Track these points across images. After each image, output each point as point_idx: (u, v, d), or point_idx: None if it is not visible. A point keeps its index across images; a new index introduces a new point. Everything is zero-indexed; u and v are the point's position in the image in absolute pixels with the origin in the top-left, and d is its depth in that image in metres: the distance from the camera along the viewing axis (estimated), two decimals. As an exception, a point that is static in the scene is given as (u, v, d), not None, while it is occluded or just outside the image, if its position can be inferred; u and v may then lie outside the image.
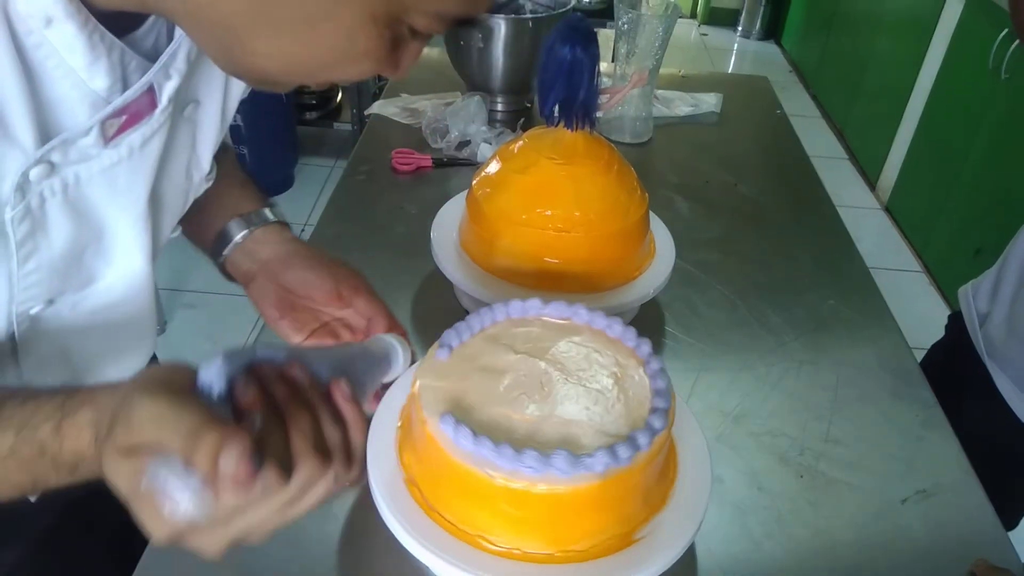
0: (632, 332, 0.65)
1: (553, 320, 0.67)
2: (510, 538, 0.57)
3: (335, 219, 1.14)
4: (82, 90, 0.46)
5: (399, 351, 0.54)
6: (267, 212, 0.73)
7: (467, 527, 0.57)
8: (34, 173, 0.47)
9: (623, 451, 0.54)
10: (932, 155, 2.75)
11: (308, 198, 2.77)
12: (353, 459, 0.46)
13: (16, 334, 0.54)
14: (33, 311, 0.53)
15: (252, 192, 0.75)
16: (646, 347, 0.64)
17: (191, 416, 0.39)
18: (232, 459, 0.37)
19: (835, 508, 0.75)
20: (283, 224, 0.74)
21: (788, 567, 0.69)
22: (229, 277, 0.73)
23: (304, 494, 0.42)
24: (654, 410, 0.58)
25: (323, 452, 0.44)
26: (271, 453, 0.41)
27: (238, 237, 0.70)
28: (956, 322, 1.12)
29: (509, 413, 0.58)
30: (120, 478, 0.40)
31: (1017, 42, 2.12)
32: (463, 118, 1.31)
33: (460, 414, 0.57)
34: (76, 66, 0.45)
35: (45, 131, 0.46)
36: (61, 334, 0.57)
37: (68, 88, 0.46)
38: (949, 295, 2.50)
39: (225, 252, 0.71)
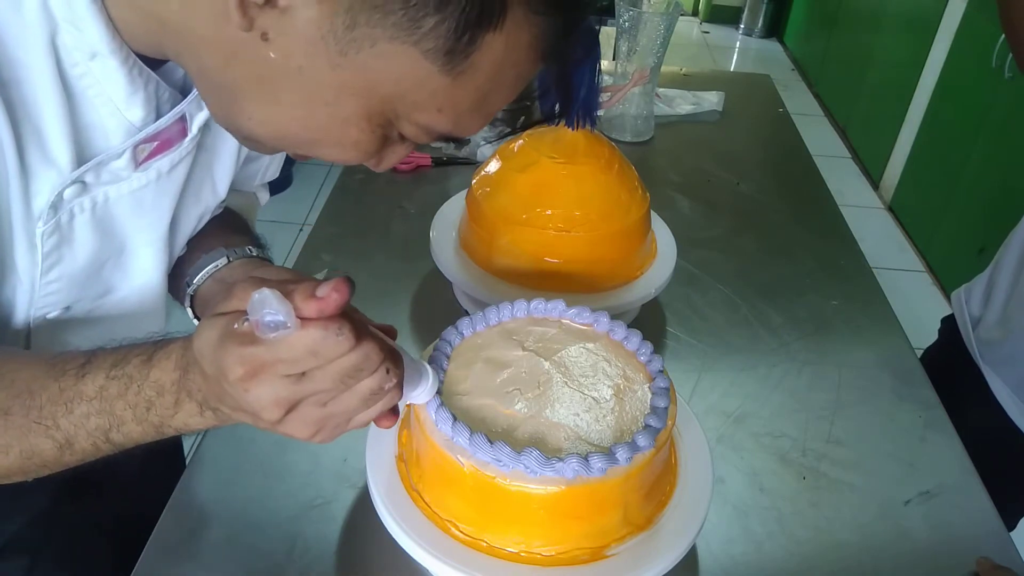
0: (648, 348, 0.64)
1: (574, 324, 0.67)
2: (477, 528, 0.58)
3: (333, 219, 1.13)
4: (118, 118, 0.49)
5: (430, 374, 0.55)
6: (249, 248, 0.68)
7: (439, 510, 0.59)
8: (68, 192, 0.50)
9: (597, 462, 0.54)
10: (935, 154, 2.74)
11: (306, 198, 2.76)
12: (396, 367, 0.46)
13: (31, 334, 0.56)
14: (50, 316, 0.56)
15: (242, 232, 0.71)
16: (657, 364, 0.63)
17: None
18: (329, 285, 0.40)
19: (837, 509, 0.74)
20: (264, 259, 0.68)
21: (789, 568, 0.69)
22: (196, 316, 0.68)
23: (364, 366, 0.43)
24: (645, 427, 0.57)
25: (379, 342, 0.45)
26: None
27: (210, 267, 0.65)
28: (949, 325, 1.11)
29: (496, 405, 0.58)
30: (213, 330, 0.41)
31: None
32: (463, 117, 1.31)
33: (448, 399, 0.58)
34: (115, 98, 0.48)
35: (80, 153, 0.49)
36: (72, 337, 0.58)
37: (106, 115, 0.49)
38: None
39: (196, 280, 0.66)
